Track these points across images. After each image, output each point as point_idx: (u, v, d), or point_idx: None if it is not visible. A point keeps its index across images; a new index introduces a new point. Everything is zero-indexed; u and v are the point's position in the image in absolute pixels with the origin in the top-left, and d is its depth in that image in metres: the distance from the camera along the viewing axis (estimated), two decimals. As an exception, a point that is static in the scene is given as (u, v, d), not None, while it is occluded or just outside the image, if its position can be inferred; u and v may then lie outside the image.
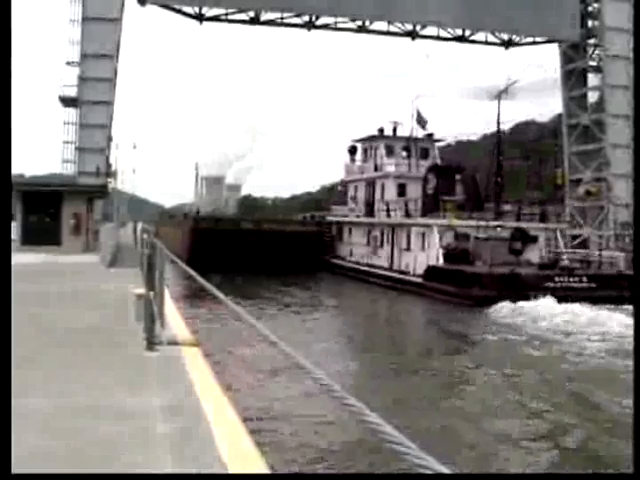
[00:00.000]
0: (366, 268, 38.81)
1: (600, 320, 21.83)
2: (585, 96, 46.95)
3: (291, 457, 9.80)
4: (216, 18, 42.15)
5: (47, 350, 8.26)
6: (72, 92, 37.42)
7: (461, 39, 44.62)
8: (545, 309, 23.90)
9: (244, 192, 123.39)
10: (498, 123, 39.98)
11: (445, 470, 1.45)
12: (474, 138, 79.96)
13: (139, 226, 40.24)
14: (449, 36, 44.57)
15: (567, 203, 47.32)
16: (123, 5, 37.91)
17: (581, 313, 22.91)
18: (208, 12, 41.60)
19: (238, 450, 4.68)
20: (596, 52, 45.51)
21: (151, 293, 8.70)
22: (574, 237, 45.60)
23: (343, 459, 10.00)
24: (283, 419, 11.68)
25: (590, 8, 45.27)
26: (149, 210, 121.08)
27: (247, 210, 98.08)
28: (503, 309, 24.56)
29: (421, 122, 44.45)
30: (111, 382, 6.63)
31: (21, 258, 18.63)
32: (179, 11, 41.66)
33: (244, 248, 38.75)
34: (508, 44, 45.43)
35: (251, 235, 41.12)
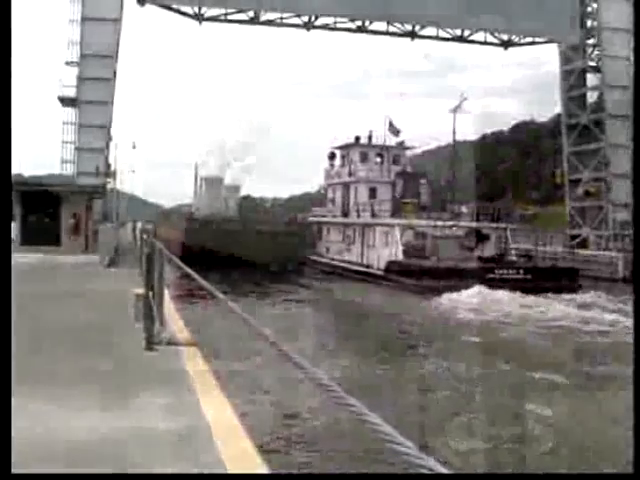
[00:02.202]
0: (340, 263, 42.23)
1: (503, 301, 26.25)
2: (584, 96, 46.97)
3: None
4: (215, 18, 42.16)
5: (47, 350, 8.26)
6: (71, 92, 37.35)
7: (460, 39, 44.69)
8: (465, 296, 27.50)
9: (243, 192, 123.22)
10: (454, 133, 43.39)
11: (445, 470, 1.46)
12: (473, 138, 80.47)
13: (138, 226, 40.37)
14: (448, 36, 44.64)
15: (566, 203, 47.42)
16: (122, 5, 37.89)
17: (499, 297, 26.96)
18: (207, 12, 41.60)
19: (238, 450, 4.69)
20: (595, 52, 45.52)
21: (150, 293, 8.71)
22: (573, 237, 45.63)
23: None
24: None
25: (589, 8, 45.29)
26: (149, 210, 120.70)
27: (246, 210, 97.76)
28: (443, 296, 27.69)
29: (393, 131, 45.89)
30: (111, 382, 6.64)
31: (20, 258, 18.64)
32: (178, 11, 41.67)
33: (234, 247, 40.05)
34: (507, 44, 45.49)
35: (241, 234, 42.47)
